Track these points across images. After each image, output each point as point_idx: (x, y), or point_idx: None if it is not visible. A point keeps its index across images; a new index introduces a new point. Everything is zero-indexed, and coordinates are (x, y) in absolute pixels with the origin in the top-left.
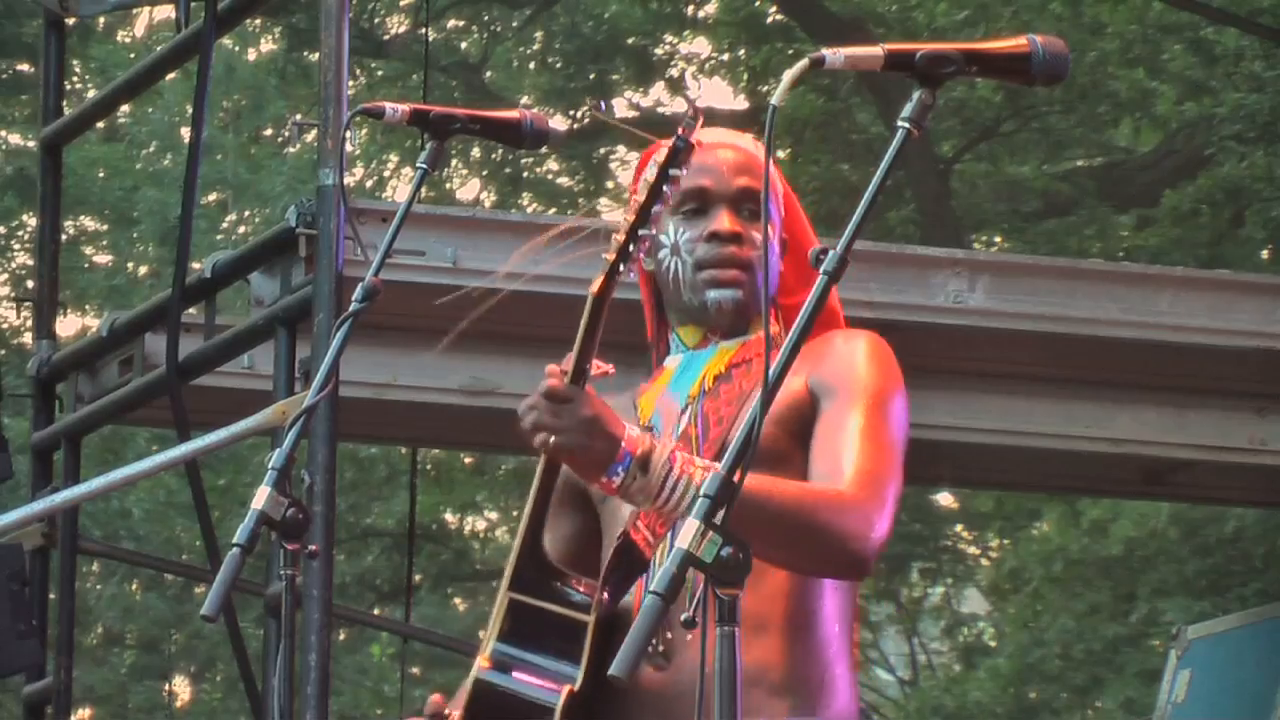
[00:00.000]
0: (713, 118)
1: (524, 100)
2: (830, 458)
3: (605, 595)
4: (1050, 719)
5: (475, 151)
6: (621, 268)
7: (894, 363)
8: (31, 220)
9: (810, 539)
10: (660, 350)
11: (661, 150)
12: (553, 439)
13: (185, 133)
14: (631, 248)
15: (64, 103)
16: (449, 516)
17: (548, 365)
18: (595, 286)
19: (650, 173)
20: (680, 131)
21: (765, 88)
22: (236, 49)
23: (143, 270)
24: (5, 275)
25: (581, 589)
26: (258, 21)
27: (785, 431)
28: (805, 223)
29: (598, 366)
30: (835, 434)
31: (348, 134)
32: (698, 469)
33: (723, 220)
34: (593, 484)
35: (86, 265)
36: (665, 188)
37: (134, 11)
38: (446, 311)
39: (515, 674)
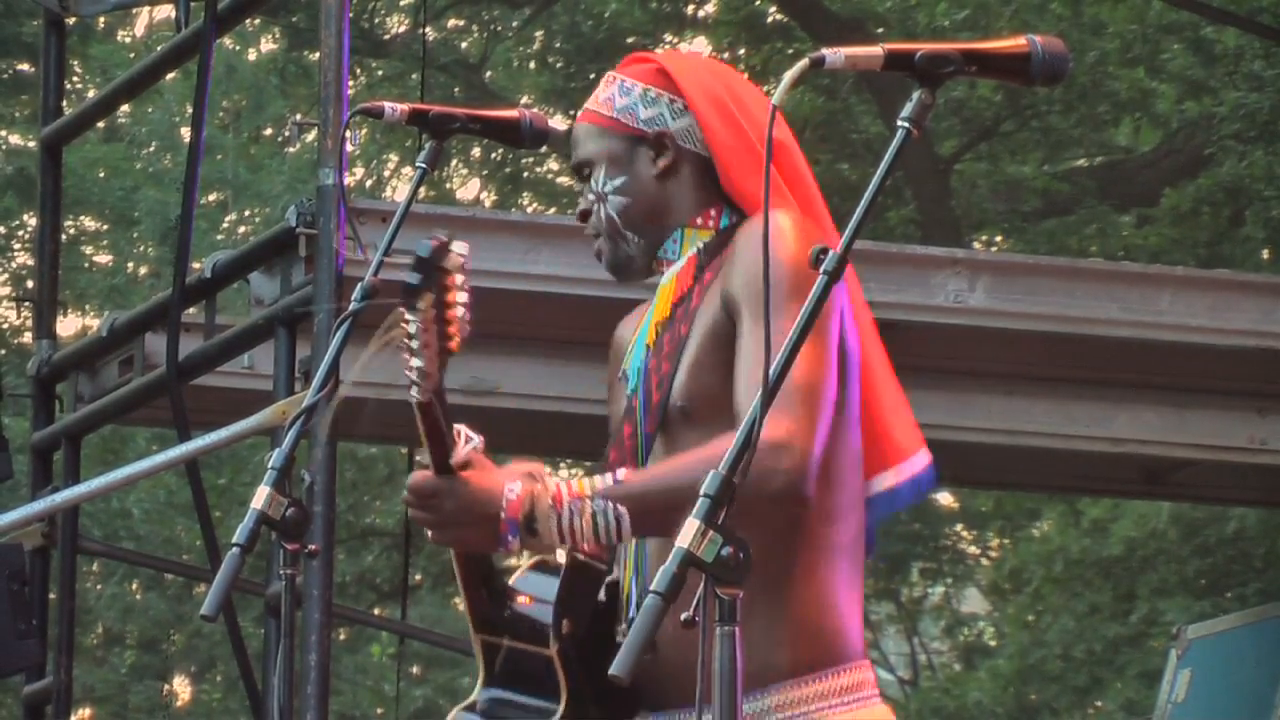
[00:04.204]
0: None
1: (524, 100)
2: (747, 385)
3: (567, 623)
4: (1050, 719)
5: (475, 151)
6: (419, 382)
7: (805, 236)
8: (31, 220)
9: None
10: None
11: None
12: (429, 532)
13: (185, 133)
14: (416, 370)
15: (64, 103)
16: None
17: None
18: (418, 398)
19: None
20: (421, 243)
21: (765, 88)
22: (236, 49)
23: (143, 270)
24: (5, 275)
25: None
26: (257, 21)
27: (720, 373)
28: (703, 81)
29: (465, 440)
30: (748, 355)
31: (347, 134)
32: (586, 488)
33: (580, 199)
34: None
35: (86, 265)
36: (412, 319)
37: (134, 11)
38: None
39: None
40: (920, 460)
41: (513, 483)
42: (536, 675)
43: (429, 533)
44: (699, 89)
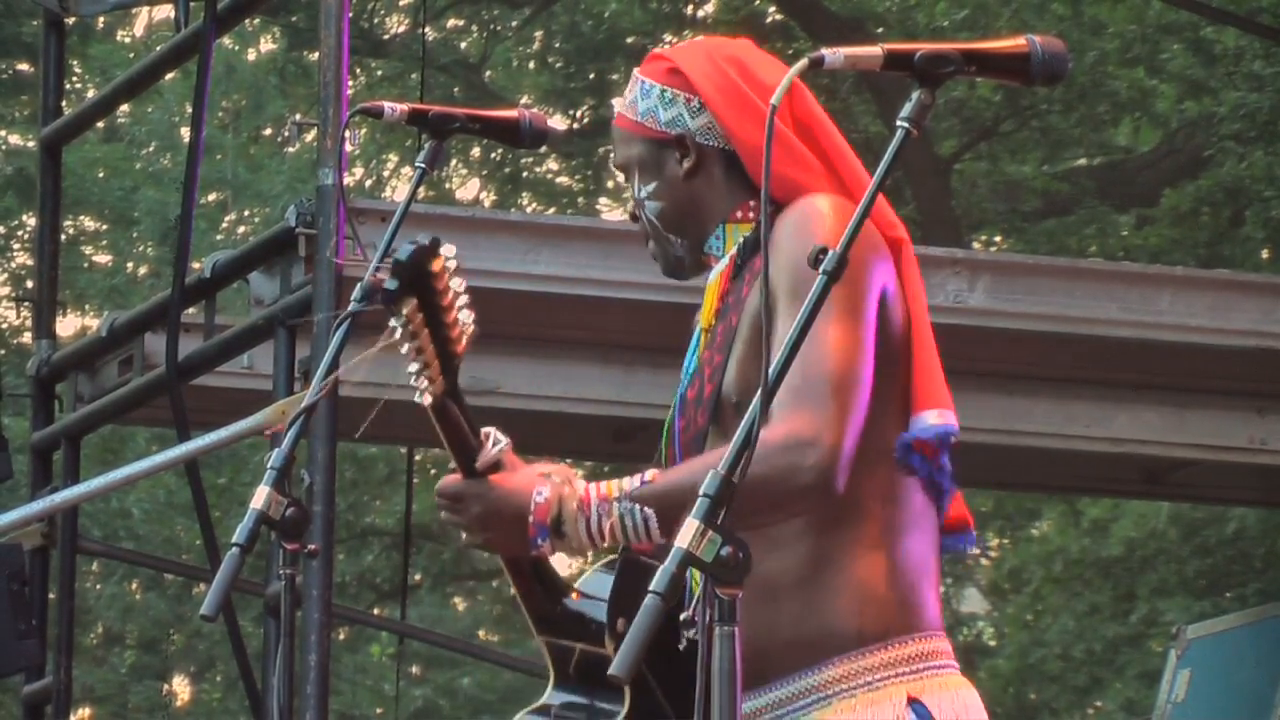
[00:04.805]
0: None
1: (523, 100)
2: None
3: (622, 622)
4: (1050, 719)
5: (475, 151)
6: (422, 386)
7: (841, 219)
8: (31, 220)
9: (764, 503)
10: None
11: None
12: (463, 535)
13: (185, 133)
14: (415, 375)
15: (64, 103)
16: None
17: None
18: (425, 401)
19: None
20: (402, 247)
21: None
22: (236, 49)
23: (142, 270)
24: (5, 275)
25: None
26: (257, 21)
27: (760, 364)
28: (729, 75)
29: (493, 443)
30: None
31: (347, 134)
32: (614, 490)
33: (629, 202)
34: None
35: (86, 265)
36: (395, 324)
37: (134, 11)
38: None
39: None
40: (950, 416)
41: (541, 485)
42: (599, 676)
43: (461, 535)
44: (710, 83)
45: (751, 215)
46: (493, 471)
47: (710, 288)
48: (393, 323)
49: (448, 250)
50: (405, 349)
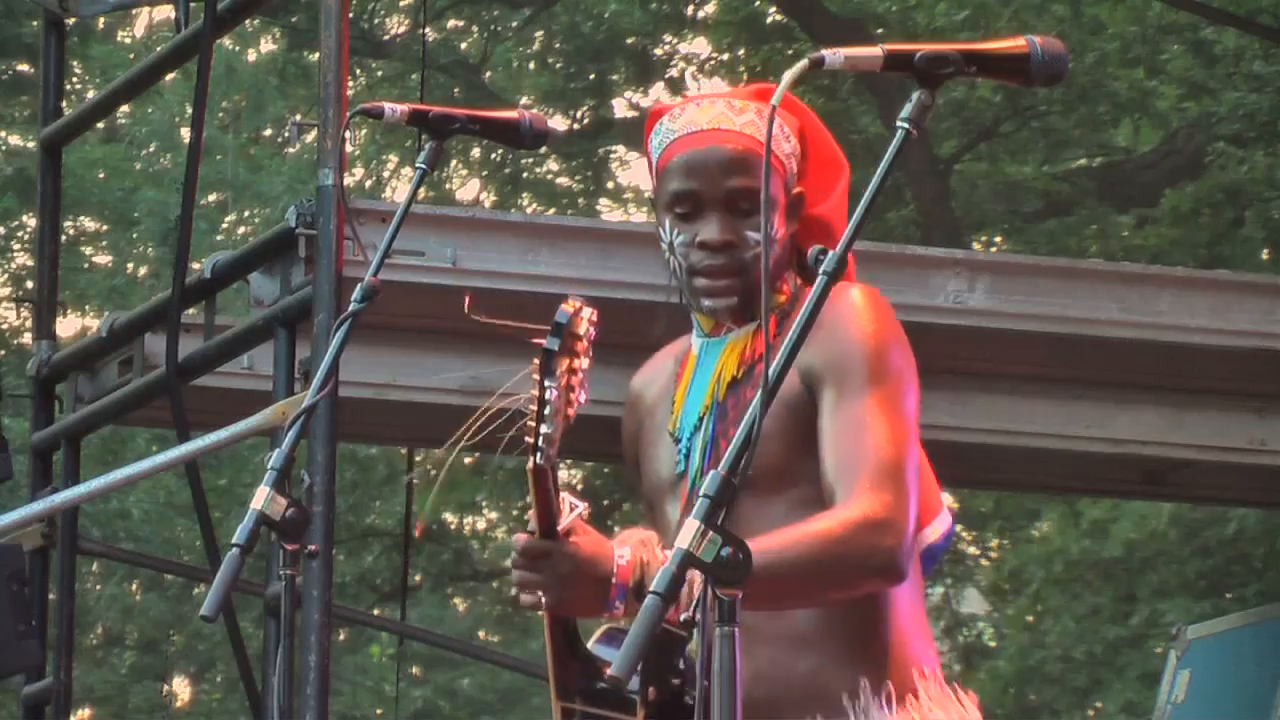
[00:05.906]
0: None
1: (524, 100)
2: (839, 461)
3: (652, 690)
4: None
5: (475, 151)
6: (544, 448)
7: (883, 315)
8: (31, 220)
9: (842, 582)
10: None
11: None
12: (540, 595)
13: (185, 133)
14: (543, 437)
15: (64, 103)
16: (449, 516)
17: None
18: (530, 464)
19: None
20: (561, 310)
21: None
22: (236, 49)
23: (142, 270)
24: (5, 275)
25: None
26: (257, 22)
27: (786, 443)
28: (825, 142)
29: (570, 508)
30: (839, 432)
31: (347, 134)
32: None
33: (712, 228)
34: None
35: (86, 265)
36: (550, 385)
37: (134, 11)
38: (446, 311)
39: None
40: (946, 518)
41: (621, 549)
42: None
43: (528, 596)
44: (821, 163)
45: (785, 288)
46: (568, 535)
47: (734, 344)
48: (548, 383)
49: (589, 312)
50: (549, 411)
